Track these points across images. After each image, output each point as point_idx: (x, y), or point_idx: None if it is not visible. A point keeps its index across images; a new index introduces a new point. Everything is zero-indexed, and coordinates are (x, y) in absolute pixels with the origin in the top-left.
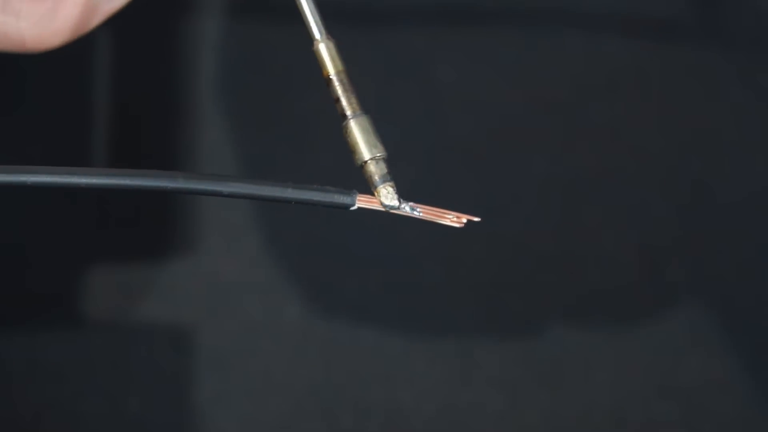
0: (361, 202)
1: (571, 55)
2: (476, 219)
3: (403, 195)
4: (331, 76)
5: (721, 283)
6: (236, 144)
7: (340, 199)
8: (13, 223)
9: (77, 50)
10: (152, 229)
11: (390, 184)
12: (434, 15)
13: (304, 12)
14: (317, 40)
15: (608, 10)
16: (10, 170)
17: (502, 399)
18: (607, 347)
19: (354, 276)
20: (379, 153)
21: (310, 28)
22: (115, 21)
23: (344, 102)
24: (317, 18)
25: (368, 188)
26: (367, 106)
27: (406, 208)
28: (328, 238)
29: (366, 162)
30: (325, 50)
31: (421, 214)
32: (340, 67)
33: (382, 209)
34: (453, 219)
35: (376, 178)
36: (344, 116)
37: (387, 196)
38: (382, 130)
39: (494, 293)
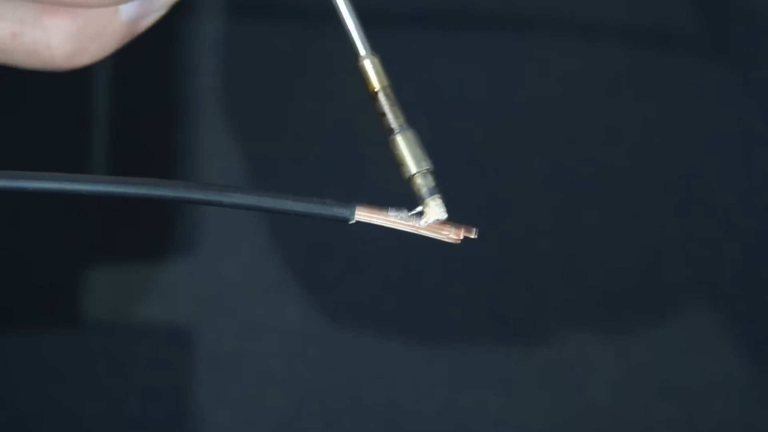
0: (360, 215)
1: (570, 56)
2: (473, 236)
3: (401, 197)
4: (377, 91)
5: (721, 283)
6: (236, 145)
7: (339, 212)
8: (13, 223)
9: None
10: (152, 229)
11: (438, 196)
12: (434, 16)
13: (348, 29)
14: (362, 56)
15: (607, 12)
16: (11, 176)
17: (502, 399)
18: (607, 347)
19: (353, 276)
20: (427, 166)
21: (355, 44)
22: None
23: (390, 117)
24: (362, 34)
25: (368, 200)
26: (366, 106)
27: (407, 222)
28: (327, 238)
29: (413, 175)
30: (370, 66)
31: (417, 230)
32: (386, 81)
33: (381, 223)
34: (450, 235)
35: (425, 190)
36: (391, 131)
37: (435, 210)
38: (381, 130)
39: (494, 293)
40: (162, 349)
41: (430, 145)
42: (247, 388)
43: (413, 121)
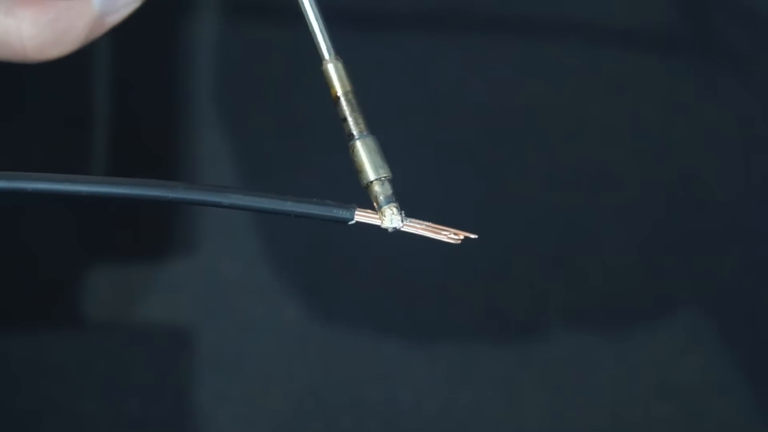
0: (360, 216)
1: (570, 57)
2: (473, 236)
3: (402, 197)
4: (339, 96)
5: (721, 283)
6: (236, 145)
7: (339, 213)
8: (13, 223)
9: (76, 50)
10: (152, 229)
11: (394, 205)
12: (434, 16)
13: (314, 32)
14: (326, 60)
15: (607, 12)
16: (11, 177)
17: (502, 399)
18: (607, 347)
19: (353, 276)
20: (385, 174)
21: (320, 47)
22: None
23: (351, 122)
24: (326, 38)
25: (368, 201)
26: (366, 107)
27: (405, 227)
28: (327, 238)
29: (371, 182)
30: (333, 70)
31: (417, 231)
32: (348, 87)
33: (380, 223)
34: (450, 236)
35: (381, 198)
36: (351, 136)
37: (391, 218)
38: (381, 131)
39: (494, 293)
40: (162, 349)
41: (430, 145)
42: (247, 388)
43: (413, 121)
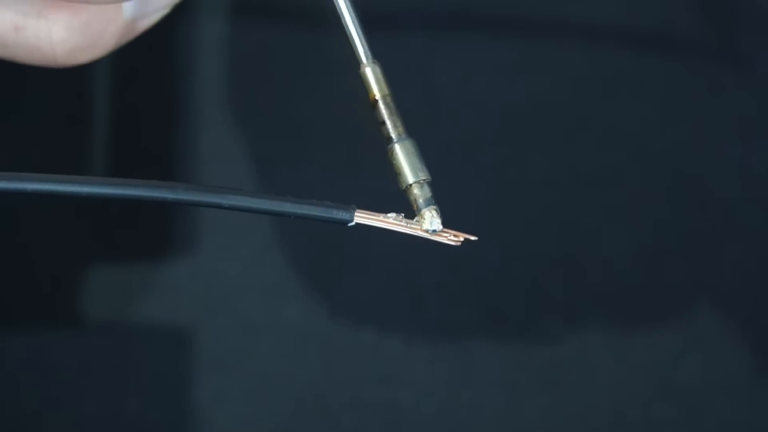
0: (359, 217)
1: (570, 56)
2: (473, 238)
3: (401, 197)
4: (377, 99)
5: (721, 283)
6: (236, 146)
7: (339, 214)
8: (13, 223)
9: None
10: (152, 229)
11: (434, 207)
12: (434, 16)
13: (352, 36)
14: (364, 63)
15: (607, 12)
16: (10, 177)
17: (502, 399)
18: (607, 347)
19: (353, 276)
20: (424, 177)
21: (358, 52)
22: None
23: (390, 125)
24: (364, 42)
25: (367, 202)
26: (367, 107)
27: (406, 225)
28: (328, 238)
29: (410, 185)
30: (371, 74)
31: (418, 233)
32: (386, 90)
33: (380, 225)
34: (450, 238)
35: (421, 201)
36: (389, 139)
37: (431, 221)
38: (381, 132)
39: (494, 293)
40: (162, 349)
41: (430, 146)
42: (247, 388)
43: (413, 121)
